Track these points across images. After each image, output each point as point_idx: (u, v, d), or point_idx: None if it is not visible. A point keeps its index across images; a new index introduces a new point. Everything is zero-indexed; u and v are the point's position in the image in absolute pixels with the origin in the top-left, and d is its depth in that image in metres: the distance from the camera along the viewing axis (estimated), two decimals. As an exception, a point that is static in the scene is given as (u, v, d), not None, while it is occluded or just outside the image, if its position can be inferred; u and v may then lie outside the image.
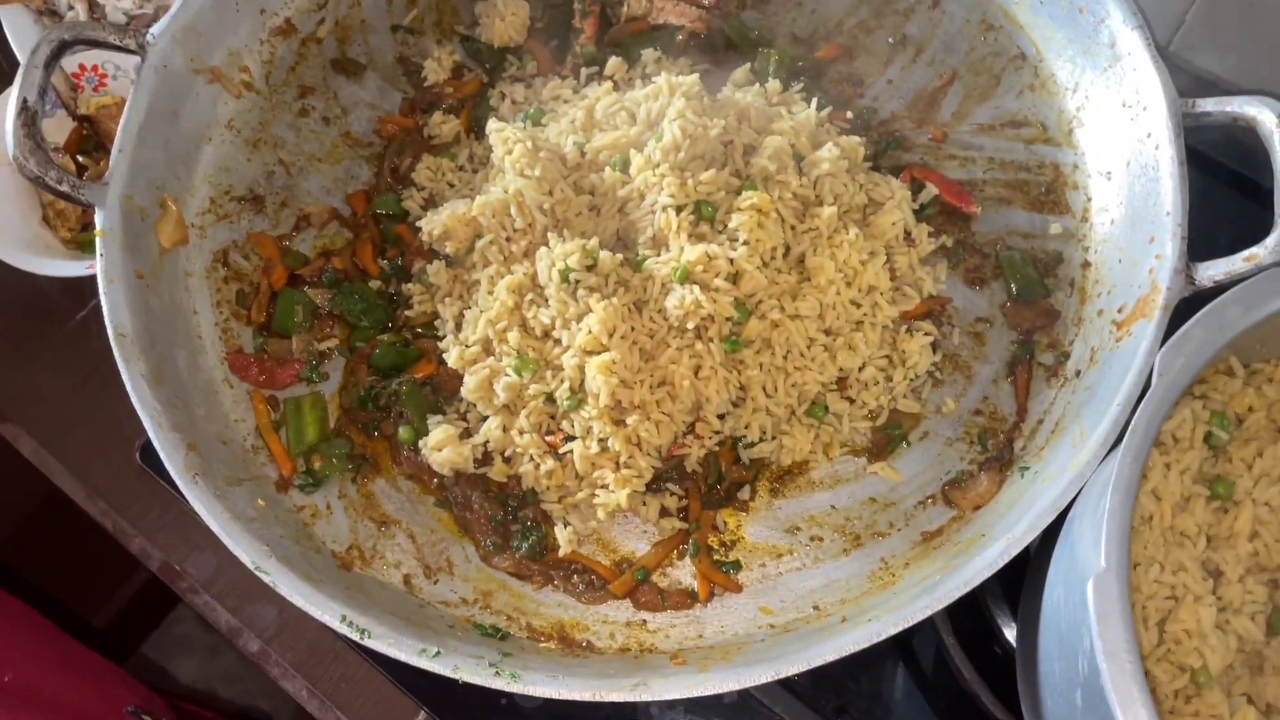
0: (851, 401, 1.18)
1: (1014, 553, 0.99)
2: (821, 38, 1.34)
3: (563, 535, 1.14)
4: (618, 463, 1.12)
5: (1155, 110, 1.14)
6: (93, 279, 1.40)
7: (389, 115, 1.33)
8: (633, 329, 1.12)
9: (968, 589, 0.99)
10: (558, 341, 1.13)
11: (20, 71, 1.15)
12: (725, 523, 1.15)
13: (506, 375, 1.13)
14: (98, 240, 1.15)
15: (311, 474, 1.16)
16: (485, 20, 1.35)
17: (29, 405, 1.38)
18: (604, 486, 1.12)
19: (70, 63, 1.43)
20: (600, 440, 1.11)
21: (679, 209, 1.13)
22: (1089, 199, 1.22)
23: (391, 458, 1.19)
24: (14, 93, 1.15)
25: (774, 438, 1.17)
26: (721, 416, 1.16)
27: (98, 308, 1.40)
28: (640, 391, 1.11)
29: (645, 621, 1.11)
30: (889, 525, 1.14)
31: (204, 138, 1.28)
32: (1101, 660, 0.75)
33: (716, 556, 1.14)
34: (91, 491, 1.33)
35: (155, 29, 1.23)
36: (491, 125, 1.20)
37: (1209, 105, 1.13)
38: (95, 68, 1.45)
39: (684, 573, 1.14)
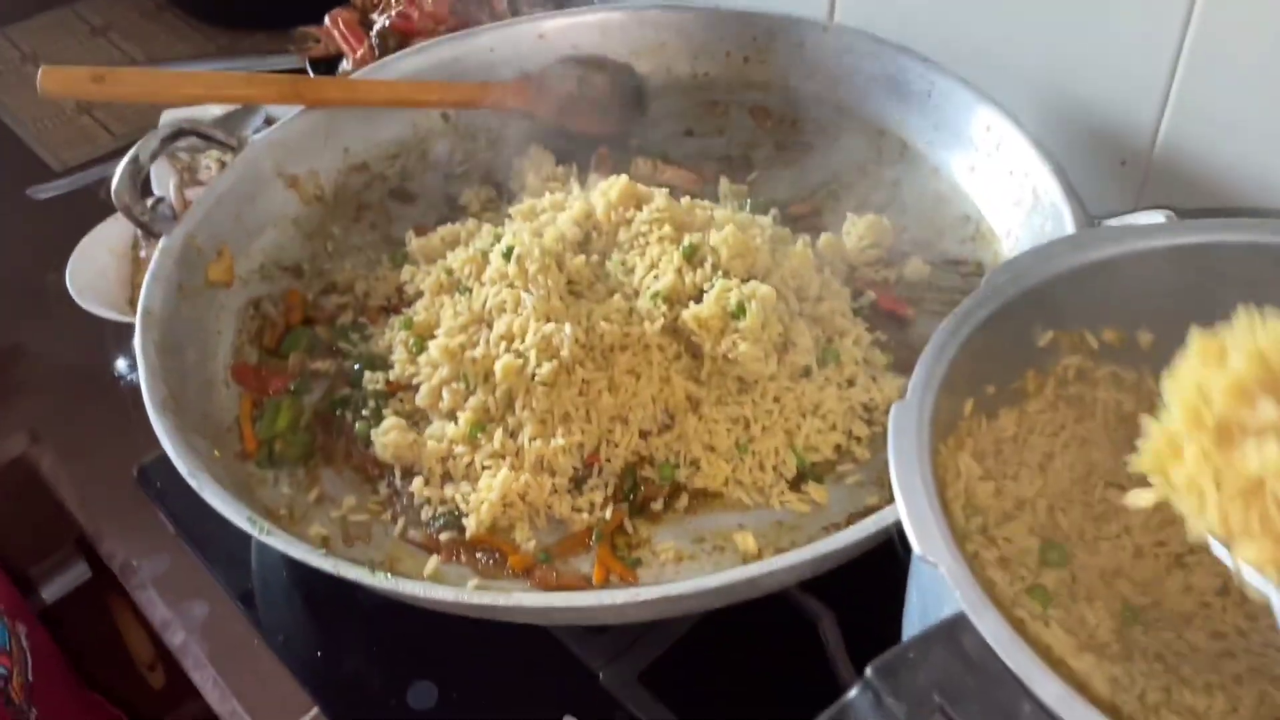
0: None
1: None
2: (795, 201, 1.57)
3: (470, 521, 1.18)
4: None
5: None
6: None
7: (422, 225, 1.58)
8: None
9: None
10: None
11: (143, 139, 1.47)
12: (635, 528, 1.18)
13: (453, 385, 1.26)
14: (155, 253, 1.38)
15: (271, 455, 1.27)
16: (517, 171, 1.63)
17: (61, 434, 1.55)
18: (523, 476, 1.19)
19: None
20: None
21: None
22: (1016, 313, 1.33)
23: (344, 451, 1.28)
24: (131, 151, 1.46)
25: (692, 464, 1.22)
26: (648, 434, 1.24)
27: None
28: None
29: (537, 597, 1.12)
30: (790, 543, 1.15)
31: (270, 223, 1.55)
32: (897, 490, 0.77)
33: (619, 553, 1.15)
34: (85, 499, 1.44)
35: (255, 135, 1.55)
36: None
37: (1113, 222, 1.26)
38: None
39: (584, 563, 1.15)
